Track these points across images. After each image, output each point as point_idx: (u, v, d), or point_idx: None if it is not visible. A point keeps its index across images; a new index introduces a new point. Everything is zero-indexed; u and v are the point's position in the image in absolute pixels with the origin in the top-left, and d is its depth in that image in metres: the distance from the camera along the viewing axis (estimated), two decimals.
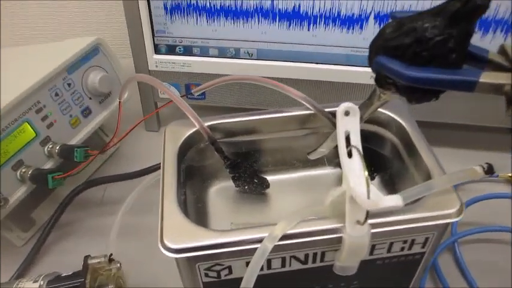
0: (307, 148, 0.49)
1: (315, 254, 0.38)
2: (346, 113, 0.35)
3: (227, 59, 0.63)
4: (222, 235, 0.35)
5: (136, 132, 0.70)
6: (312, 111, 0.47)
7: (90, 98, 0.60)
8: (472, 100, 0.60)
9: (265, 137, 0.48)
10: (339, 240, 0.36)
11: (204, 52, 0.63)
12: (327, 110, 0.46)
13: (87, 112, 0.59)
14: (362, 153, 0.34)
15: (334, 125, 0.46)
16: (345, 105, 0.35)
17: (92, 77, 0.59)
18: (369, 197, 0.32)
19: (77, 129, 0.58)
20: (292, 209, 0.47)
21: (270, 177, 0.50)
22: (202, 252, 0.35)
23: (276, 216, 0.45)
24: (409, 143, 0.44)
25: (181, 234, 0.35)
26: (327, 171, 0.52)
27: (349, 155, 0.35)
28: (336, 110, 0.47)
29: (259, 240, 0.35)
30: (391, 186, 0.48)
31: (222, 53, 0.63)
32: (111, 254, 0.49)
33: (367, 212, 0.33)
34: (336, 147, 0.46)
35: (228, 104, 0.67)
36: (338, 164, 0.51)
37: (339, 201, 0.37)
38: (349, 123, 0.36)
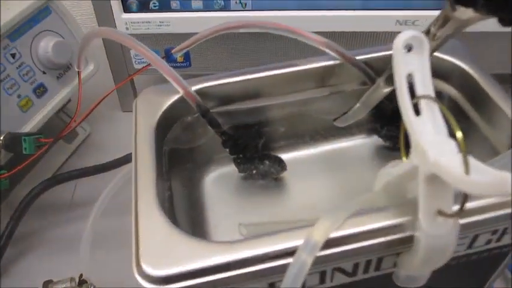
0: (330, 113, 0.37)
1: (368, 263, 0.26)
2: (408, 47, 0.23)
3: (214, 13, 0.50)
4: (231, 249, 0.23)
5: (111, 114, 0.60)
6: (336, 62, 0.34)
7: (43, 73, 0.47)
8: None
9: (274, 102, 0.36)
10: (405, 240, 0.24)
11: (185, 6, 0.50)
12: (359, 58, 0.33)
13: (41, 90, 0.46)
14: (440, 104, 0.22)
15: (369, 77, 0.34)
16: (406, 35, 0.23)
17: (44, 45, 0.46)
18: (467, 173, 0.19)
19: (29, 113, 0.45)
20: (320, 197, 0.35)
21: (284, 156, 0.37)
22: (202, 278, 0.22)
23: (301, 210, 0.34)
24: (480, 96, 0.31)
25: (167, 253, 0.23)
26: (359, 141, 0.39)
27: (417, 110, 0.23)
28: (369, 58, 0.36)
29: (290, 252, 0.22)
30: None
31: (208, 5, 0.50)
32: (82, 275, 0.37)
33: (465, 198, 0.21)
34: (375, 108, 0.34)
35: (221, 70, 0.54)
36: (372, 131, 0.39)
37: (397, 182, 0.25)
38: (413, 63, 0.23)
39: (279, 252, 0.23)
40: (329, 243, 0.23)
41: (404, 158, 0.25)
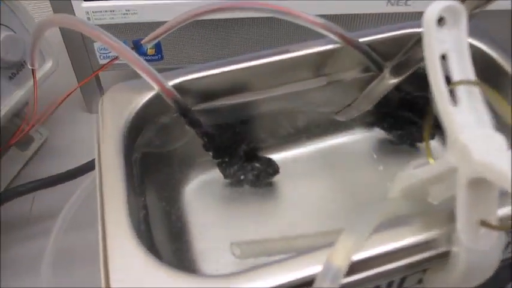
0: (328, 105, 0.32)
1: (390, 284, 0.22)
2: (440, 21, 0.18)
3: None
4: (228, 284, 0.18)
5: (75, 116, 0.54)
6: (334, 46, 0.30)
7: None
8: None
9: (263, 96, 0.31)
10: (436, 257, 0.20)
11: None
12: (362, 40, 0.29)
13: None
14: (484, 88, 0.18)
15: (374, 63, 0.29)
16: (439, 6, 0.18)
17: None
18: None
19: None
20: (319, 202, 0.30)
21: (275, 157, 0.32)
22: None
23: (300, 219, 0.29)
24: (503, 81, 0.27)
25: None
26: (358, 136, 0.34)
27: (454, 99, 0.18)
28: (372, 41, 0.31)
29: (305, 283, 0.18)
30: None
31: None
32: None
33: None
34: (384, 98, 0.30)
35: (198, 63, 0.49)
36: (373, 123, 0.34)
37: (421, 186, 0.21)
38: (447, 41, 0.19)
39: (290, 284, 0.18)
40: (350, 267, 0.19)
41: (431, 160, 0.21)
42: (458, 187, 0.18)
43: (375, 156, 0.33)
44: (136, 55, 0.27)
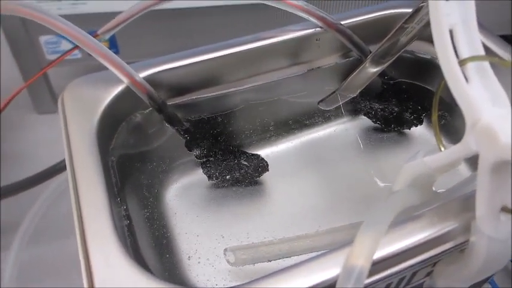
0: (309, 95, 0.30)
1: (400, 280, 0.20)
2: None
3: None
4: None
5: (23, 119, 0.49)
6: (312, 31, 0.28)
7: None
8: None
9: (240, 87, 0.29)
10: (450, 249, 0.19)
11: None
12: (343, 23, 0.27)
13: None
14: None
15: (357, 47, 0.28)
16: None
17: None
18: None
19: None
20: (310, 199, 0.28)
21: (259, 153, 0.30)
22: None
23: (292, 219, 0.27)
24: None
25: None
26: (343, 125, 0.33)
27: (466, 76, 0.17)
28: (354, 23, 0.29)
29: None
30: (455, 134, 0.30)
31: None
32: None
33: None
34: (368, 84, 0.28)
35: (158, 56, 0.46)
36: (358, 111, 0.33)
37: (432, 175, 0.20)
38: (453, 15, 0.17)
39: None
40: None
41: (442, 147, 0.19)
42: (481, 173, 0.17)
43: (362, 146, 0.32)
44: (101, 45, 0.24)
